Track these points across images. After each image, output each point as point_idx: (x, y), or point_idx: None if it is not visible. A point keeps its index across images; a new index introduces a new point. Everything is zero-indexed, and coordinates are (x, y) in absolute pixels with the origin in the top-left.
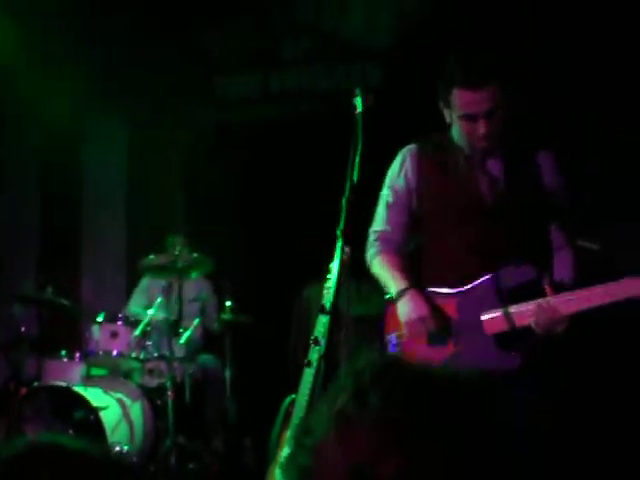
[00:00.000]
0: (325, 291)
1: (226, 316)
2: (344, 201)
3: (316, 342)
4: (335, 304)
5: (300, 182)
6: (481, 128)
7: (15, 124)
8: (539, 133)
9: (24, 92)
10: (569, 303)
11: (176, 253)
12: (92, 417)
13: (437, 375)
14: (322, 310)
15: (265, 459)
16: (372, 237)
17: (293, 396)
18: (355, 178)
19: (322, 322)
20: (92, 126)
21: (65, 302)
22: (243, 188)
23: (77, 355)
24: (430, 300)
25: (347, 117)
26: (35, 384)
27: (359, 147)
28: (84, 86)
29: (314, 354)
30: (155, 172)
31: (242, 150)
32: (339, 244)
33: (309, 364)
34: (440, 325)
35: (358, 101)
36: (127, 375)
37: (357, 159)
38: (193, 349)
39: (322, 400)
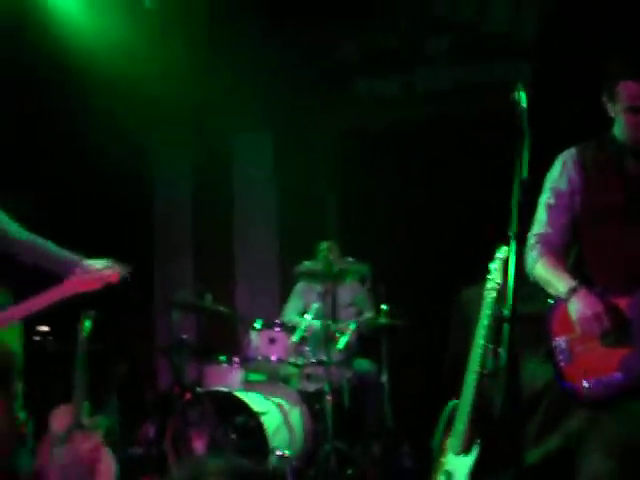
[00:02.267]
0: (487, 293)
1: (382, 320)
2: (514, 201)
3: (494, 352)
4: (515, 311)
5: (449, 183)
6: None
7: (169, 144)
8: None
9: (179, 112)
10: None
11: (331, 258)
12: (254, 422)
13: None
14: (502, 318)
15: (423, 465)
16: (532, 240)
17: (455, 402)
18: (524, 176)
19: (503, 330)
20: (239, 140)
21: (223, 309)
22: (394, 190)
23: (236, 361)
24: (603, 298)
25: (497, 113)
26: (198, 389)
27: (526, 144)
28: (234, 101)
29: (492, 363)
30: (303, 178)
31: (391, 152)
32: (512, 246)
33: (492, 374)
34: (616, 323)
35: (521, 96)
36: (285, 380)
37: (525, 157)
38: (350, 354)
39: None
